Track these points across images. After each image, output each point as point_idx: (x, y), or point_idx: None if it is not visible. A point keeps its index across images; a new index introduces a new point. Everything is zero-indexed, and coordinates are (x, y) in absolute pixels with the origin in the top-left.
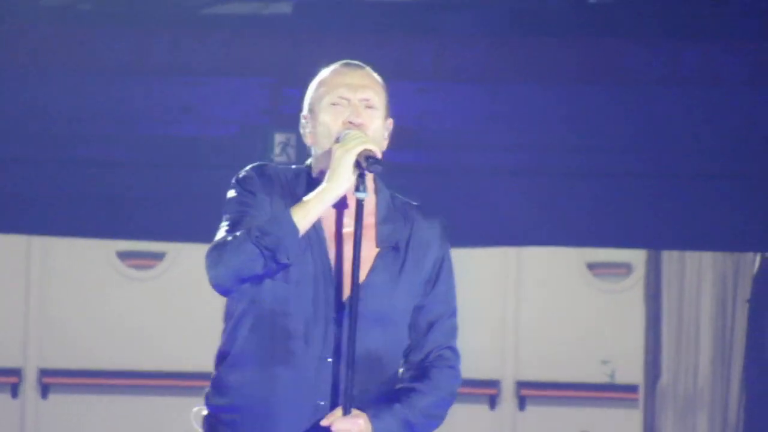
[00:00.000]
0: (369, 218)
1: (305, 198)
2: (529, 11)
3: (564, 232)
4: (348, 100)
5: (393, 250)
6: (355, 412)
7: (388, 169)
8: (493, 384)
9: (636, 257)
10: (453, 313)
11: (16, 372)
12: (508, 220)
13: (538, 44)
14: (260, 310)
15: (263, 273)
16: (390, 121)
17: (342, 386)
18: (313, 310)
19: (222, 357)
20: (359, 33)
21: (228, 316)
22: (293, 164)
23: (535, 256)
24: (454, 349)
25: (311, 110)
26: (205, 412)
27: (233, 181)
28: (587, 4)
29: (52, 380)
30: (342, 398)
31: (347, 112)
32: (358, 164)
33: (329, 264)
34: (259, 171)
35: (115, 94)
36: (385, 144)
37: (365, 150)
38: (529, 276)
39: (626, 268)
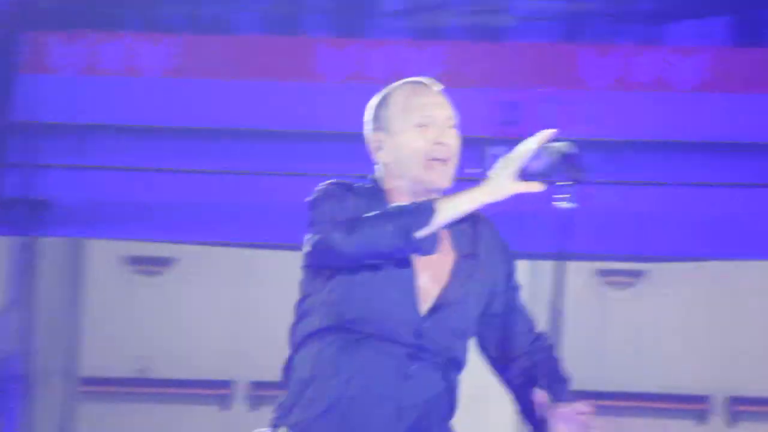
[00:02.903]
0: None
1: (452, 195)
2: None
3: None
4: (434, 120)
5: (469, 257)
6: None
7: None
8: (703, 399)
9: None
10: (526, 307)
11: (227, 384)
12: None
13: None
14: (339, 319)
15: (390, 253)
16: None
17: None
18: (396, 316)
19: (296, 368)
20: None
21: (301, 323)
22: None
23: (749, 270)
24: (537, 330)
25: (387, 130)
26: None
27: (317, 194)
28: None
29: (263, 392)
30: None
31: (433, 132)
32: (565, 171)
33: (412, 271)
34: (341, 185)
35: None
36: None
37: (569, 153)
38: (743, 290)
39: None
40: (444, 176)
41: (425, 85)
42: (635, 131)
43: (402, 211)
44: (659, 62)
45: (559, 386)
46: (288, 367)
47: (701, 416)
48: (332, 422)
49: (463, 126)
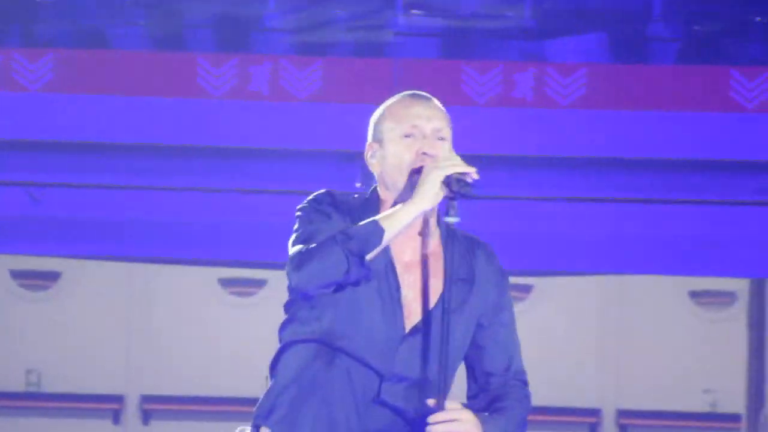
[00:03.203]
0: (437, 249)
1: (390, 211)
2: None
3: (667, 260)
4: (421, 131)
5: (461, 281)
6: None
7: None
8: (594, 413)
9: (739, 286)
10: (516, 341)
11: (118, 399)
12: (610, 248)
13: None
14: (319, 331)
15: (344, 279)
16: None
17: (392, 409)
18: (374, 334)
19: (273, 373)
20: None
21: (283, 334)
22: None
23: (638, 284)
24: (519, 373)
25: (379, 140)
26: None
27: (304, 203)
28: None
29: (153, 407)
30: (439, 390)
31: (419, 143)
32: (449, 187)
33: (399, 290)
34: (330, 195)
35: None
36: None
37: (459, 173)
38: (632, 304)
39: (729, 297)
40: None
41: (420, 97)
42: (517, 146)
43: (350, 236)
44: (540, 78)
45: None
46: (273, 367)
47: (593, 429)
48: (309, 427)
49: (345, 141)
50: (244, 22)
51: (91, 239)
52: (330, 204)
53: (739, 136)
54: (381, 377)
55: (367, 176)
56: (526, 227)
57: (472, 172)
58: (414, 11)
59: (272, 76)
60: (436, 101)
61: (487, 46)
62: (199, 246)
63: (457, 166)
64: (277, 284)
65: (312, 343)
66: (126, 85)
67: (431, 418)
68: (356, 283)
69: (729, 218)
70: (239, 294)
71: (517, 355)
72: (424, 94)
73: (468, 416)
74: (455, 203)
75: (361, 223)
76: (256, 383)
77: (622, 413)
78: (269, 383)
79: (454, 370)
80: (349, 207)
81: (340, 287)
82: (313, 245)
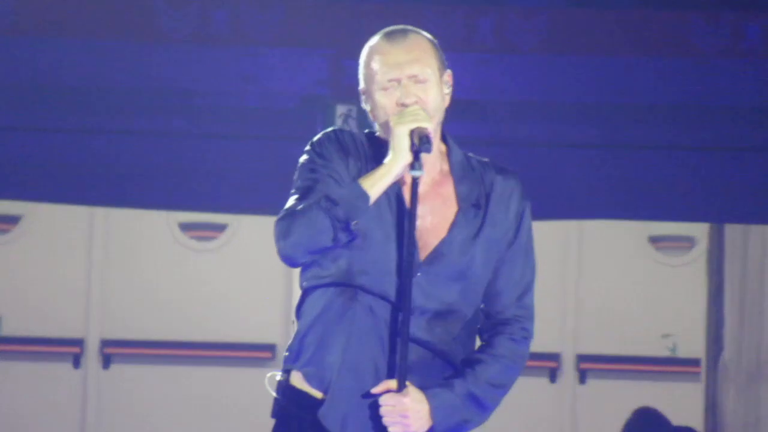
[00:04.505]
0: (446, 178)
1: (372, 171)
2: None
3: (627, 205)
4: (398, 80)
5: (473, 207)
6: (409, 389)
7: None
8: (554, 357)
9: (699, 231)
10: (528, 271)
11: (78, 342)
12: (570, 193)
13: (599, 16)
14: (338, 273)
15: (332, 245)
16: (448, 73)
17: (413, 339)
18: (392, 268)
19: (299, 317)
20: (419, 5)
21: (303, 281)
22: (348, 129)
23: (597, 229)
24: (526, 307)
25: (366, 89)
26: (279, 376)
27: (308, 146)
28: None
29: (113, 350)
30: (397, 372)
31: (398, 92)
32: (411, 141)
33: (412, 226)
34: (334, 135)
35: (175, 65)
36: (447, 99)
37: (418, 129)
38: (591, 249)
39: (689, 242)
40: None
41: (394, 39)
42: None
43: (335, 202)
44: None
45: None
46: (297, 311)
47: (552, 374)
48: (336, 370)
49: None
50: None
51: (52, 183)
52: (335, 143)
53: (700, 82)
54: (402, 311)
55: None
56: None
57: (427, 127)
58: None
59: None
60: (412, 37)
61: None
62: (160, 190)
63: (417, 120)
64: (238, 228)
65: (332, 290)
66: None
67: (382, 400)
68: (352, 239)
69: (689, 162)
70: (199, 238)
71: (527, 288)
72: (399, 31)
73: (414, 406)
74: (420, 156)
75: (346, 185)
76: (216, 327)
77: (582, 358)
78: (295, 327)
79: (478, 299)
80: (356, 145)
81: (328, 251)
82: (300, 207)
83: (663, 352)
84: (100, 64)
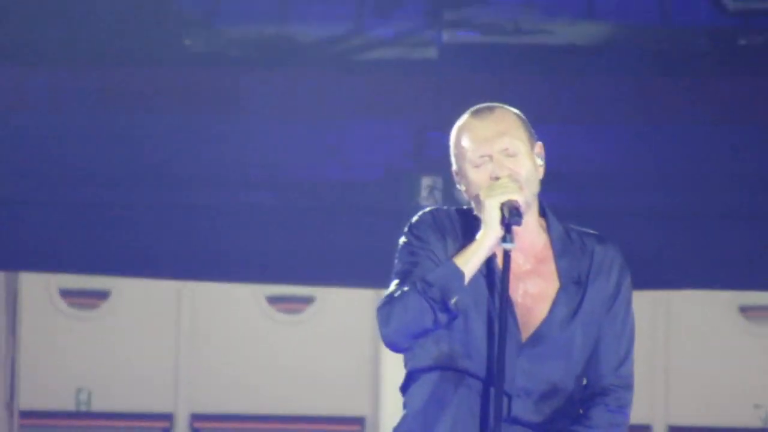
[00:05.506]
0: (547, 253)
1: (466, 248)
2: (673, 52)
3: (716, 275)
4: (489, 156)
5: (574, 284)
6: None
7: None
8: (645, 429)
9: None
10: (625, 341)
11: (167, 417)
12: (658, 263)
13: (684, 85)
14: (440, 356)
15: (434, 327)
16: (539, 144)
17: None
18: (493, 350)
19: (405, 400)
20: (504, 76)
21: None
22: (444, 207)
23: (686, 299)
24: (623, 377)
25: (459, 169)
26: None
27: (405, 229)
28: (736, 45)
29: (202, 425)
30: None
31: (490, 167)
32: (502, 215)
33: (510, 301)
34: (431, 216)
35: (260, 138)
36: (541, 171)
37: (508, 201)
38: (681, 320)
39: None
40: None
41: (481, 115)
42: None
43: (430, 284)
44: None
45: None
46: (403, 391)
47: None
48: None
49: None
50: None
51: (140, 258)
52: (432, 224)
53: None
54: (509, 395)
55: None
56: None
57: (518, 199)
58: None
59: None
60: (499, 112)
61: None
62: (246, 264)
63: (507, 192)
64: (325, 301)
65: (435, 374)
66: None
67: None
68: (453, 318)
69: None
70: (287, 311)
71: (625, 357)
72: (485, 108)
73: None
74: (511, 229)
75: (440, 266)
76: (305, 400)
77: (673, 429)
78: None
79: (581, 372)
80: (452, 224)
81: (431, 332)
82: (397, 293)
83: (755, 423)
84: (187, 140)
